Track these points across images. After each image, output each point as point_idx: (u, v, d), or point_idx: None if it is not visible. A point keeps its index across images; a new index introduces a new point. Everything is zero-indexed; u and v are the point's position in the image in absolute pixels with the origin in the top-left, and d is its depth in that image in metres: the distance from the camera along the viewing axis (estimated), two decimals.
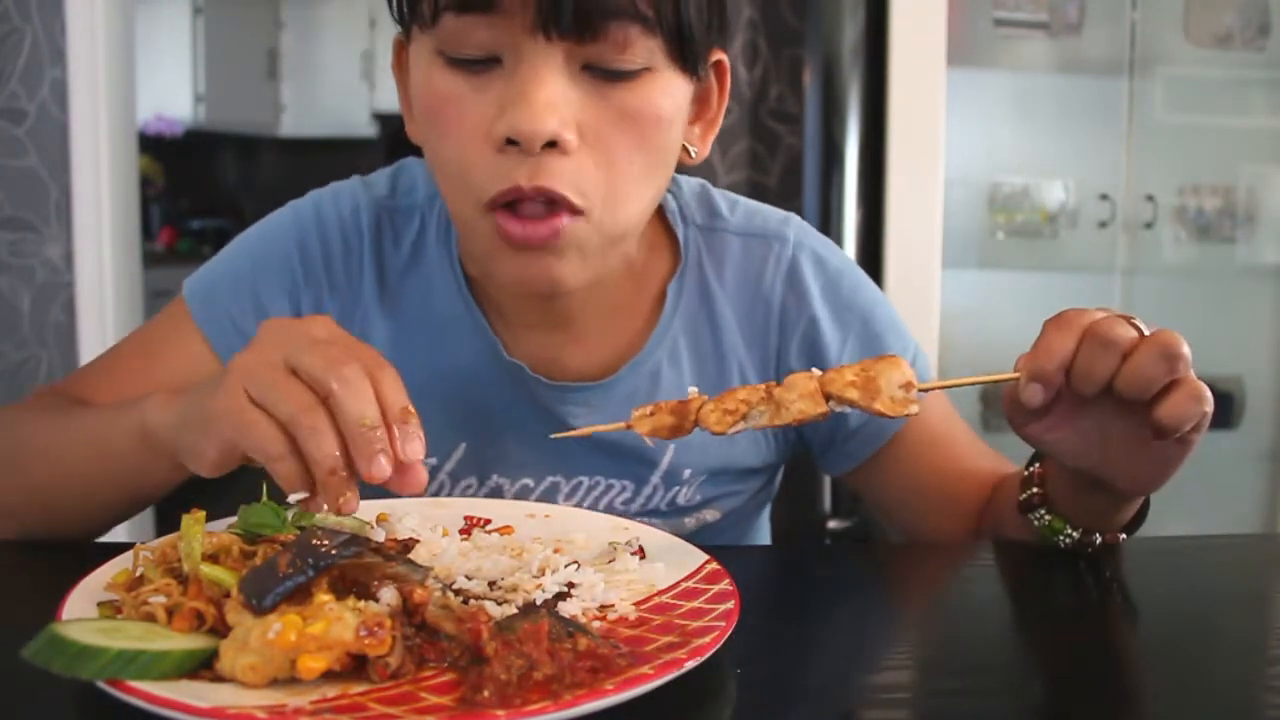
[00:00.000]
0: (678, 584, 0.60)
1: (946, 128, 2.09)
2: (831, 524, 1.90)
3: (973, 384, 0.65)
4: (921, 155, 2.07)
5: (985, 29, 2.29)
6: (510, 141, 0.65)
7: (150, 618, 0.49)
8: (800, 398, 0.59)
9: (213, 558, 0.53)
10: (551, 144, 0.65)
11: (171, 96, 4.53)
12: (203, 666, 0.46)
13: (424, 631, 0.49)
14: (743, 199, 0.89)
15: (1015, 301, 2.45)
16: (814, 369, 0.62)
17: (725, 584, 0.58)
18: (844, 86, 2.06)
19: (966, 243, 2.33)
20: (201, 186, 5.00)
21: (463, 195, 0.69)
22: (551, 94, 0.65)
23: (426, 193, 0.84)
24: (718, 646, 0.50)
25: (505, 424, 0.83)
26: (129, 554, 0.56)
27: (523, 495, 0.84)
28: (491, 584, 0.58)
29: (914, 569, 0.76)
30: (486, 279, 0.81)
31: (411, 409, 0.56)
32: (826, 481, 1.93)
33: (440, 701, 0.44)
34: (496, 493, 0.84)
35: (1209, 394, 0.60)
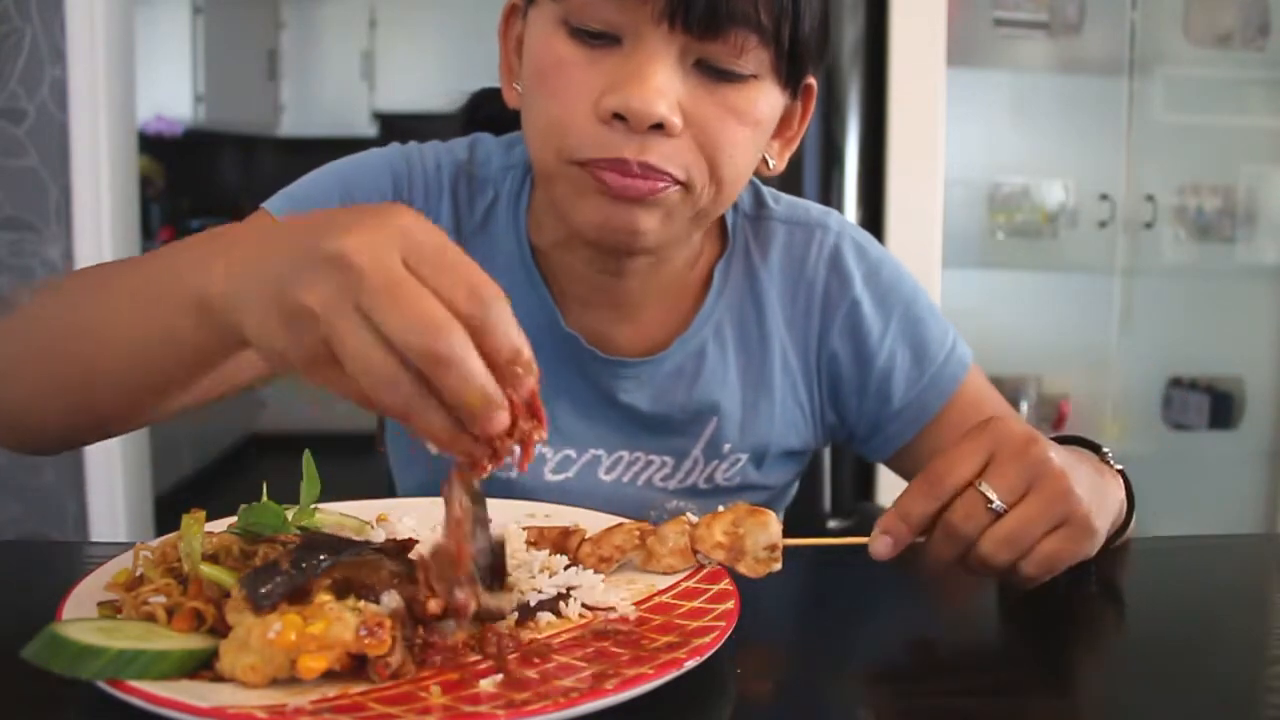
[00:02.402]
0: (678, 584, 0.60)
1: (946, 128, 2.09)
2: (831, 524, 1.90)
3: (838, 545, 0.66)
4: (921, 155, 2.07)
5: (985, 29, 2.29)
6: (618, 117, 0.68)
7: (150, 618, 0.49)
8: (670, 553, 0.62)
9: (213, 558, 0.53)
10: (657, 126, 0.68)
11: (171, 96, 4.52)
12: (203, 666, 0.46)
13: (434, 630, 0.49)
14: (786, 195, 0.92)
15: (1015, 301, 2.46)
16: (688, 515, 0.63)
17: (725, 584, 0.58)
18: (844, 86, 2.06)
19: (966, 243, 2.33)
20: (201, 186, 4.99)
21: (553, 152, 0.72)
22: (664, 79, 0.68)
23: (501, 165, 0.86)
24: (718, 646, 0.50)
25: (554, 393, 0.84)
26: (129, 554, 0.56)
27: (564, 466, 0.85)
28: None
29: (914, 568, 0.76)
30: (557, 247, 0.83)
31: (522, 349, 0.47)
32: (827, 481, 1.93)
33: (440, 701, 0.44)
34: (539, 460, 0.85)
35: (1056, 564, 0.60)
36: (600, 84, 0.69)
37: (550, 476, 0.85)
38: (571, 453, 0.85)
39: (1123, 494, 0.69)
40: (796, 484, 0.96)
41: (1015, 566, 0.59)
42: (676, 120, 0.68)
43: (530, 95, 0.74)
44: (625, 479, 0.86)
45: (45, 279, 0.74)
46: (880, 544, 0.61)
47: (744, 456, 0.87)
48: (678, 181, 0.71)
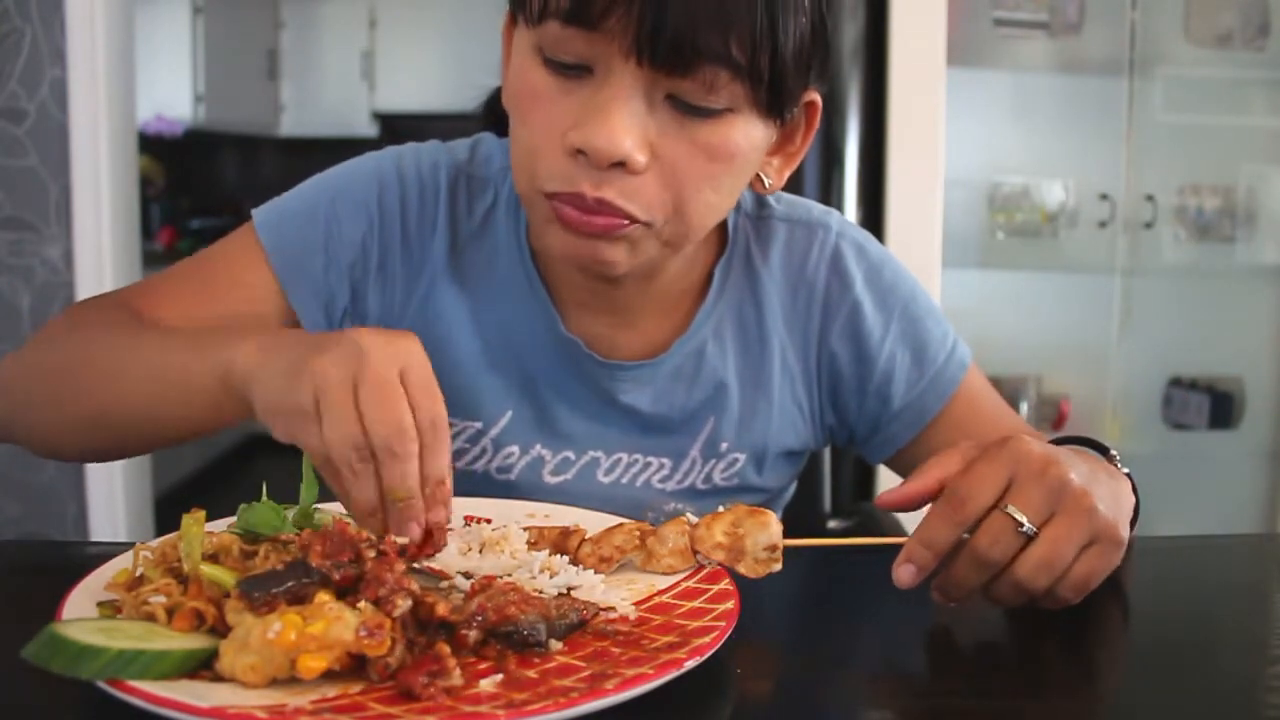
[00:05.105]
0: (678, 584, 0.60)
1: (946, 128, 2.09)
2: (831, 524, 1.90)
3: (838, 545, 0.67)
4: (921, 155, 2.07)
5: (985, 29, 2.29)
6: (580, 152, 0.68)
7: (150, 618, 0.49)
8: (670, 553, 0.62)
9: (213, 558, 0.53)
10: (620, 163, 0.67)
11: (171, 96, 4.52)
12: (203, 666, 0.46)
13: (442, 632, 0.49)
14: (786, 194, 0.91)
15: (1015, 301, 2.45)
16: (688, 516, 0.63)
17: (725, 584, 0.59)
18: (844, 86, 2.06)
19: (966, 243, 2.33)
20: (201, 186, 4.99)
21: (526, 178, 0.72)
22: (628, 117, 0.67)
23: (501, 165, 0.86)
24: (718, 646, 0.50)
25: (553, 396, 0.85)
26: (129, 554, 0.56)
27: (562, 468, 0.85)
28: None
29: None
30: (542, 253, 0.83)
31: (446, 480, 0.56)
32: (827, 481, 1.93)
33: (440, 701, 0.44)
34: (537, 463, 0.86)
35: (1091, 583, 0.59)
36: (569, 116, 0.68)
37: (549, 479, 0.85)
38: (570, 454, 0.85)
39: (1133, 498, 0.68)
40: (793, 487, 0.96)
41: (1050, 590, 0.58)
42: (640, 158, 0.67)
43: (510, 117, 0.74)
44: (624, 480, 0.86)
45: (66, 309, 0.79)
46: (904, 572, 0.59)
47: (741, 457, 0.87)
48: (635, 220, 0.70)
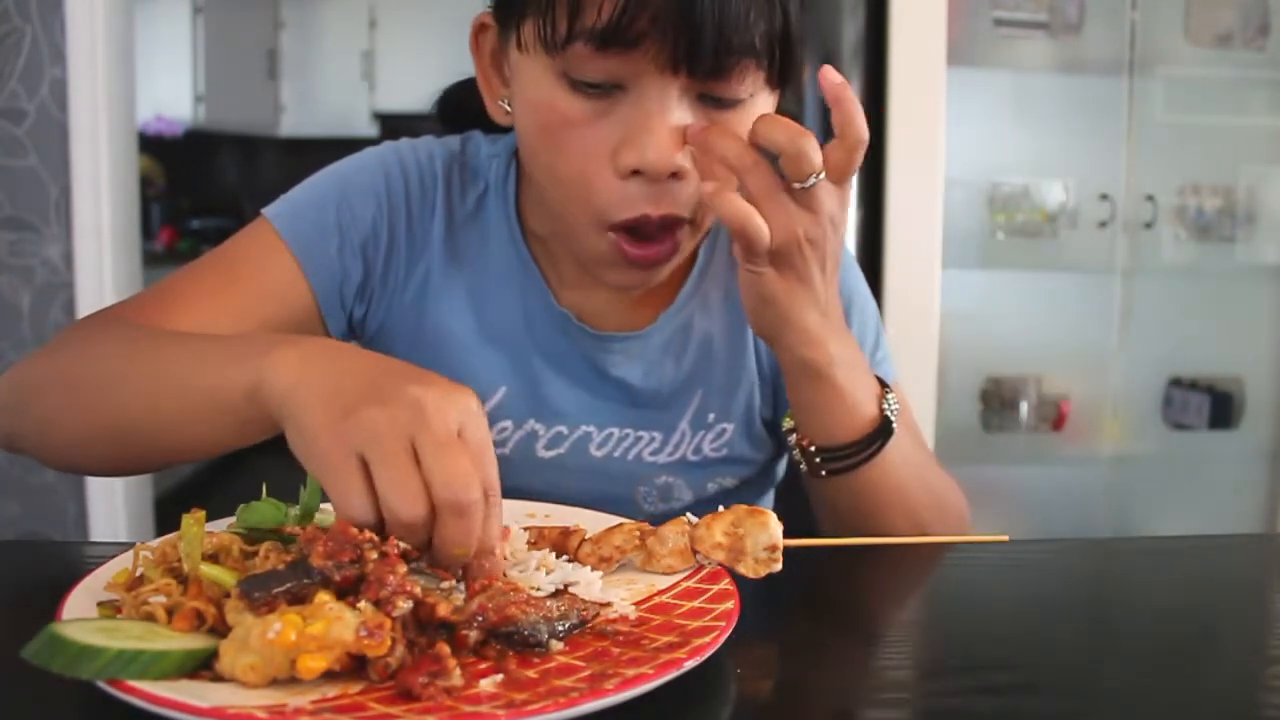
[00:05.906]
0: (678, 583, 0.60)
1: (946, 128, 2.09)
2: None
3: (838, 545, 0.69)
4: (921, 155, 2.07)
5: (985, 29, 2.29)
6: (635, 172, 0.70)
7: (150, 618, 0.49)
8: (670, 553, 0.62)
9: (213, 558, 0.53)
10: (674, 173, 0.71)
11: (171, 96, 4.53)
12: (203, 666, 0.46)
13: (443, 632, 0.49)
14: None
15: (1015, 301, 2.45)
16: (688, 516, 0.63)
17: (725, 584, 0.59)
18: None
19: (966, 243, 2.33)
20: (201, 186, 4.99)
21: (580, 210, 0.75)
22: (675, 126, 0.70)
23: (488, 154, 0.89)
24: (718, 646, 0.50)
25: (546, 371, 0.87)
26: (129, 554, 0.56)
27: (555, 443, 0.87)
28: None
29: (914, 568, 0.76)
30: (554, 237, 0.85)
31: (496, 551, 0.54)
32: None
33: (440, 701, 0.44)
34: (531, 437, 0.87)
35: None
36: (611, 138, 0.71)
37: (543, 453, 0.87)
38: (563, 429, 0.87)
39: (873, 407, 0.76)
40: (785, 462, 0.97)
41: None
42: (688, 164, 0.71)
43: (535, 146, 0.76)
44: (616, 454, 0.88)
45: (78, 321, 0.77)
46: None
47: (729, 427, 0.89)
48: (687, 220, 0.74)
